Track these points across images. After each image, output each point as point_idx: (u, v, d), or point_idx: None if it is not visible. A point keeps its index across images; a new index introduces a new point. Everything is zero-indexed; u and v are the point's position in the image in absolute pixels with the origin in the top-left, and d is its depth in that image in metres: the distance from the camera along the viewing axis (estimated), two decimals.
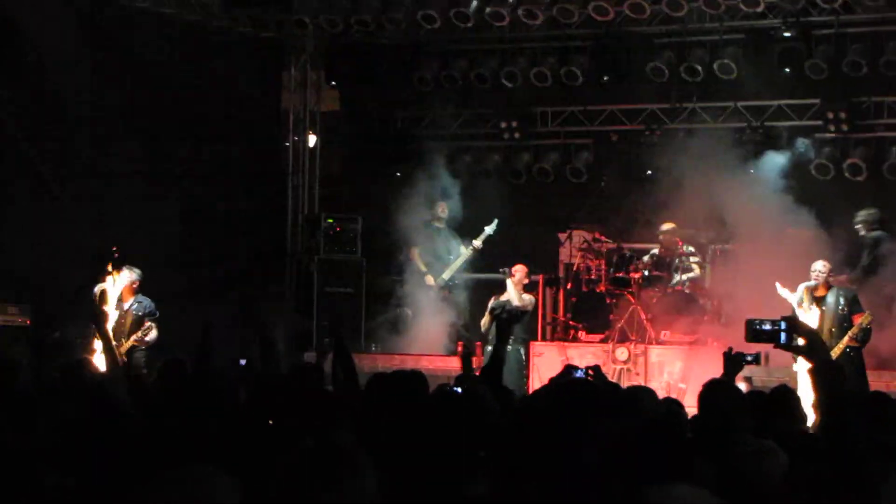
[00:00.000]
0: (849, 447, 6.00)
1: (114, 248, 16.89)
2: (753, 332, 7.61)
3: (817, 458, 6.47)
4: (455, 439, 5.75)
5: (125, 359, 16.36)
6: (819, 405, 6.79)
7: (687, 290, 20.17)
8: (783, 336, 7.42)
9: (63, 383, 8.94)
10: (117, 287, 16.80)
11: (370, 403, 7.85)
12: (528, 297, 19.54)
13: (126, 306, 16.78)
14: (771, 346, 7.74)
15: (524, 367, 18.85)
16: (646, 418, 7.55)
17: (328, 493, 4.09)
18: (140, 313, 16.73)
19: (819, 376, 6.75)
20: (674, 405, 8.98)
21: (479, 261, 21.81)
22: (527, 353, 19.25)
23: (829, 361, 6.94)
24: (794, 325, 7.51)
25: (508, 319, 9.32)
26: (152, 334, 16.61)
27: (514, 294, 19.40)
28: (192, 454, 5.63)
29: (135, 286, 16.91)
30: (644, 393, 8.80)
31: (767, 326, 7.59)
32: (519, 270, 19.62)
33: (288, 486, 4.14)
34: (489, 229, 21.48)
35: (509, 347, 17.73)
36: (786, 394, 9.27)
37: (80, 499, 5.31)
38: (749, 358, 9.43)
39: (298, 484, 4.12)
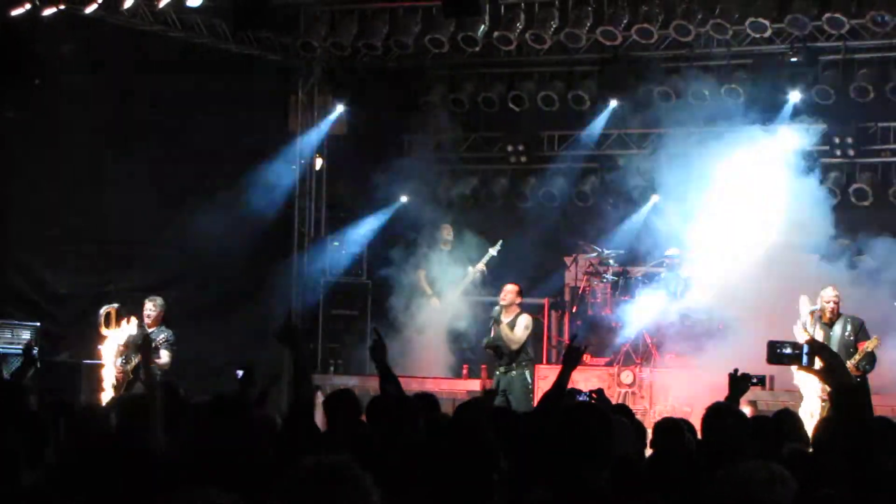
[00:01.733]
0: (871, 471, 6.01)
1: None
2: (775, 355, 7.61)
3: (825, 482, 6.48)
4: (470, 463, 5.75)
5: (131, 377, 16.35)
6: (838, 427, 6.78)
7: (692, 314, 20.17)
8: (805, 358, 7.43)
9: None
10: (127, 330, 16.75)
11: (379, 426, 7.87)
12: (522, 320, 18.46)
13: (148, 331, 16.69)
14: (791, 366, 7.73)
15: (530, 391, 18.83)
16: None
17: None
18: (157, 337, 16.61)
19: (838, 399, 6.73)
20: (687, 426, 8.97)
21: (485, 283, 21.82)
22: (532, 376, 19.20)
23: (850, 385, 6.92)
24: (816, 349, 7.51)
25: (578, 347, 9.10)
26: (163, 359, 16.46)
27: (503, 319, 18.57)
28: (197, 477, 5.64)
29: (161, 316, 16.84)
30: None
31: (788, 350, 7.60)
32: (509, 292, 18.51)
33: None
34: (493, 250, 21.50)
35: (513, 372, 17.77)
36: (790, 417, 9.28)
37: None
38: (755, 380, 9.43)
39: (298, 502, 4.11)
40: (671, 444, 8.37)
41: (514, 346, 18.08)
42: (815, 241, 19.45)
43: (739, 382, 9.10)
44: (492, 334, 18.44)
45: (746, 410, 10.44)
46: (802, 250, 19.24)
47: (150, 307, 16.80)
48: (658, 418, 11.60)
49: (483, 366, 19.43)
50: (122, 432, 7.91)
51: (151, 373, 9.53)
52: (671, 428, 8.88)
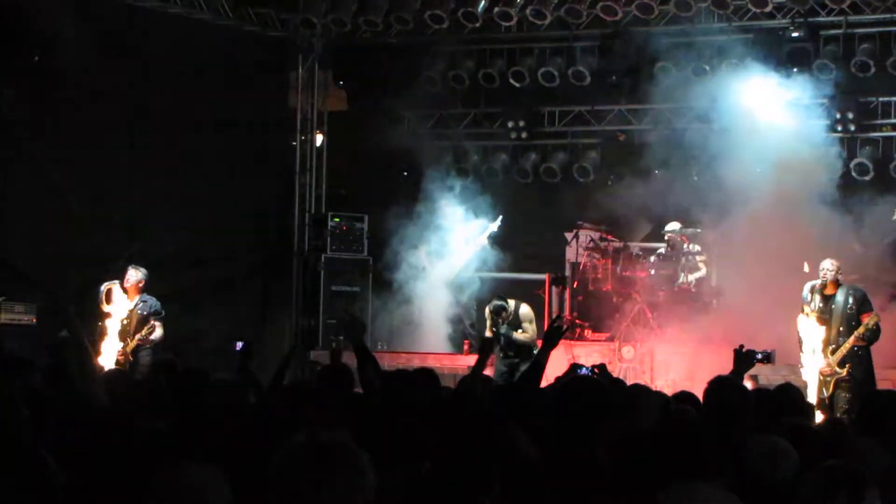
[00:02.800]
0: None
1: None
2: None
3: (827, 456, 6.48)
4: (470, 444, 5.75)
5: (131, 358, 16.32)
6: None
7: (693, 289, 20.21)
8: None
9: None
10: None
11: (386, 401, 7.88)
12: (524, 315, 17.84)
13: (131, 305, 16.66)
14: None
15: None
16: (660, 418, 7.58)
17: (322, 492, 4.06)
18: (145, 312, 16.58)
19: None
20: (690, 399, 8.96)
21: (487, 259, 21.83)
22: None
23: None
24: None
25: (560, 327, 9.20)
26: (157, 333, 16.46)
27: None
28: (186, 454, 5.64)
29: (140, 285, 16.78)
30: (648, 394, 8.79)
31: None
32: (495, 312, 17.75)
33: (280, 484, 4.11)
34: (494, 226, 21.47)
35: (517, 359, 17.61)
36: (791, 391, 9.27)
37: (79, 498, 5.31)
38: (759, 355, 9.43)
39: (291, 482, 4.09)
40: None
41: (534, 344, 17.34)
42: (820, 191, 19.43)
43: (745, 358, 9.11)
44: (487, 329, 18.00)
45: (747, 384, 10.39)
46: (808, 201, 19.20)
47: (133, 274, 16.72)
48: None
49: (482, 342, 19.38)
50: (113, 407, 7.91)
51: (76, 328, 9.49)
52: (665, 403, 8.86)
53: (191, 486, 4.13)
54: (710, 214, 20.06)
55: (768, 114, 20.53)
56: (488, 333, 17.82)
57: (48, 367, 9.46)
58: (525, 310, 17.88)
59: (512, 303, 17.77)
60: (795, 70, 20.70)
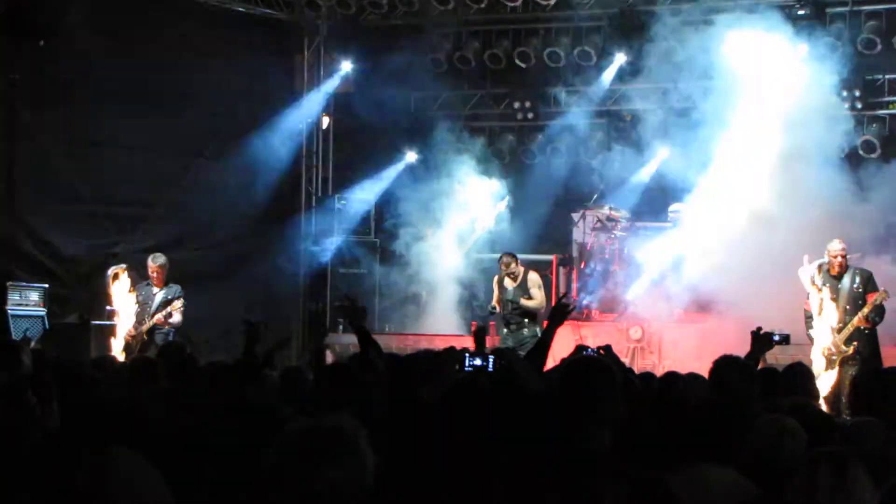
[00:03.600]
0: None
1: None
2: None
3: (834, 435, 6.49)
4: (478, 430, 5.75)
5: (146, 338, 16.38)
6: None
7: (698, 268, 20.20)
8: None
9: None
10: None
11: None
12: (533, 281, 17.99)
13: (155, 291, 16.70)
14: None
15: None
16: (672, 400, 7.58)
17: (320, 474, 4.07)
18: (169, 297, 16.65)
19: None
20: (699, 379, 8.96)
21: (495, 241, 21.85)
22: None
23: None
24: None
25: (566, 305, 9.28)
26: (176, 318, 16.53)
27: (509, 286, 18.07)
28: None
29: (165, 269, 16.80)
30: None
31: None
32: (506, 264, 18.04)
33: (279, 468, 4.11)
34: (500, 205, 21.65)
35: (525, 330, 17.63)
36: (800, 370, 9.25)
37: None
38: (777, 337, 9.42)
39: (289, 465, 4.09)
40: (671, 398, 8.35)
41: (542, 311, 17.68)
42: (826, 151, 19.42)
43: (762, 340, 9.10)
44: (494, 299, 18.15)
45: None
46: (812, 162, 19.20)
47: (154, 266, 16.77)
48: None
49: (492, 323, 19.42)
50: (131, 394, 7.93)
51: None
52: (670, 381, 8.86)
53: (118, 474, 4.07)
54: (716, 190, 19.98)
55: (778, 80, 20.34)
56: (494, 303, 17.94)
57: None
58: (533, 276, 18.07)
59: (521, 267, 17.95)
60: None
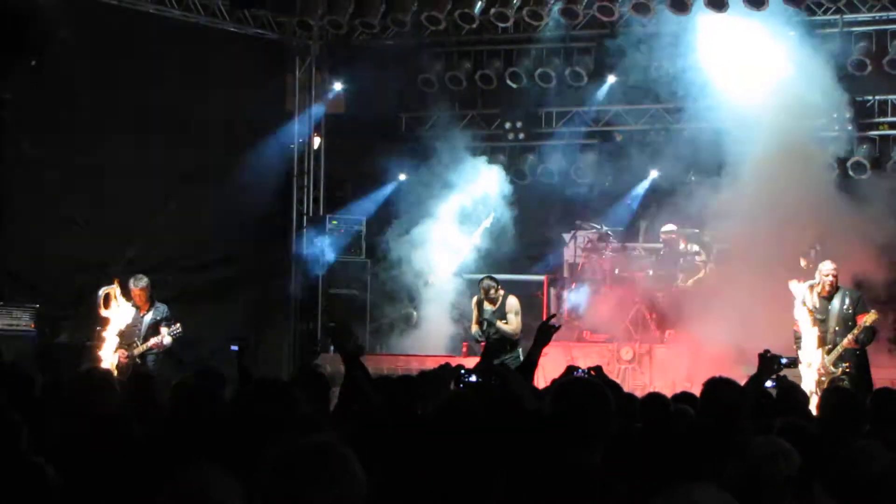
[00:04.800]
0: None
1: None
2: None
3: (827, 455, 6.48)
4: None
5: (139, 361, 16.34)
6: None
7: (691, 290, 20.19)
8: None
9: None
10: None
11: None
12: (511, 306, 18.00)
13: (146, 314, 16.67)
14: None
15: None
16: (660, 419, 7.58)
17: (313, 494, 4.06)
18: (157, 318, 16.63)
19: None
20: (688, 399, 8.96)
21: (483, 259, 21.86)
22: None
23: None
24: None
25: (551, 326, 9.32)
26: (168, 339, 16.53)
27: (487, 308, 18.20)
28: (194, 455, 5.64)
29: (147, 292, 16.76)
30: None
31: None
32: (484, 289, 18.11)
33: (271, 487, 4.11)
34: (487, 223, 21.64)
35: (505, 355, 17.60)
36: (791, 390, 9.26)
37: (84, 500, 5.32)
38: (785, 360, 9.43)
39: (282, 484, 4.09)
40: (657, 418, 8.36)
41: (516, 338, 17.83)
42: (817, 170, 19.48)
43: (769, 363, 9.11)
44: (473, 322, 18.21)
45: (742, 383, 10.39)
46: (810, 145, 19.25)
47: (136, 290, 16.72)
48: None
49: (482, 343, 19.41)
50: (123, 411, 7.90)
51: None
52: (655, 402, 8.87)
53: (204, 488, 4.13)
54: (711, 216, 20.00)
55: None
56: (474, 325, 18.00)
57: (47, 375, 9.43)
58: (512, 301, 18.10)
59: (501, 291, 18.00)
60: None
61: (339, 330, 10.22)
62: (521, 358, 17.24)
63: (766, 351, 9.12)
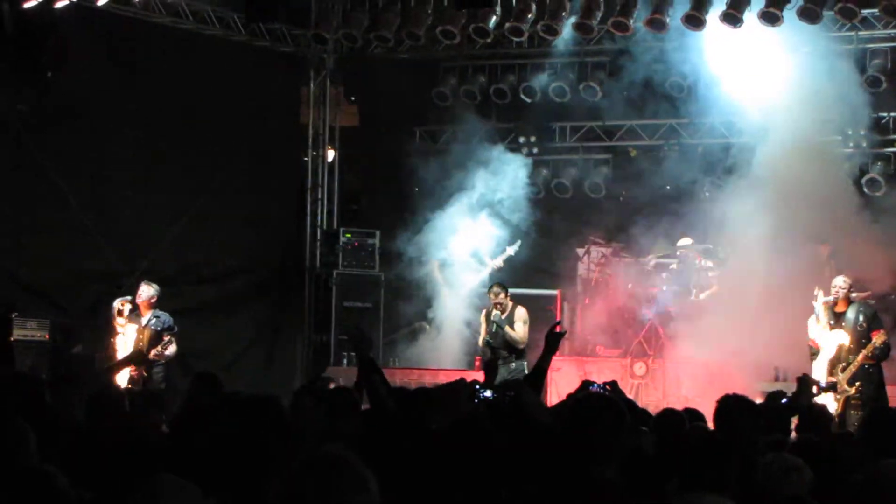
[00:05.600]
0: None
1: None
2: None
3: (842, 471, 6.48)
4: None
5: (145, 374, 16.30)
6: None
7: (705, 305, 20.15)
8: None
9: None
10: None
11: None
12: (519, 315, 18.10)
13: (144, 321, 16.63)
14: None
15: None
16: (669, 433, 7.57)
17: None
18: (158, 328, 16.56)
19: None
20: (696, 416, 8.97)
21: (499, 276, 21.80)
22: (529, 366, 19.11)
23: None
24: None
25: (558, 333, 9.37)
26: (171, 349, 16.43)
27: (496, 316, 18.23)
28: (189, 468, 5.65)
29: (153, 301, 16.74)
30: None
31: None
32: (493, 294, 18.26)
33: (286, 500, 4.12)
34: (511, 250, 21.32)
35: (512, 364, 17.62)
36: (814, 408, 9.25)
37: None
38: (824, 384, 9.52)
39: (297, 497, 4.09)
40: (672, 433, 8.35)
41: (521, 346, 17.93)
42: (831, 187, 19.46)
43: (808, 386, 9.19)
44: (482, 334, 18.26)
45: (758, 400, 10.38)
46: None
47: (145, 290, 16.70)
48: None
49: (478, 357, 19.42)
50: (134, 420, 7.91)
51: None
52: (670, 417, 8.87)
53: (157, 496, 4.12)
54: (725, 231, 19.97)
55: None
56: (482, 335, 18.01)
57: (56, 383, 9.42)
58: (521, 310, 18.17)
59: (510, 301, 18.12)
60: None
61: (359, 334, 10.16)
62: (524, 367, 17.40)
63: (805, 375, 9.20)
